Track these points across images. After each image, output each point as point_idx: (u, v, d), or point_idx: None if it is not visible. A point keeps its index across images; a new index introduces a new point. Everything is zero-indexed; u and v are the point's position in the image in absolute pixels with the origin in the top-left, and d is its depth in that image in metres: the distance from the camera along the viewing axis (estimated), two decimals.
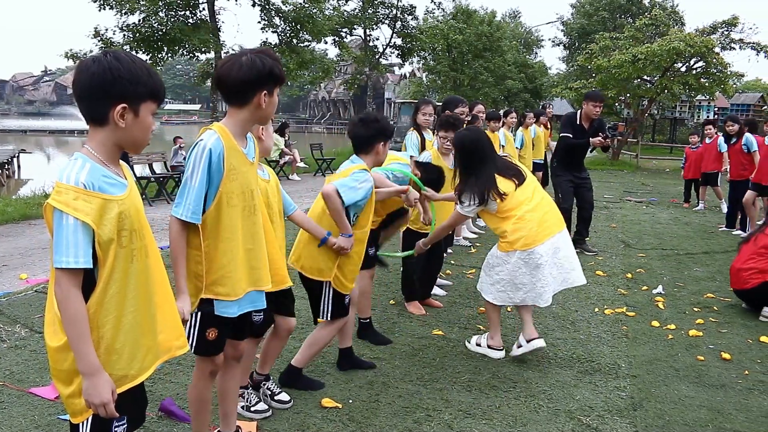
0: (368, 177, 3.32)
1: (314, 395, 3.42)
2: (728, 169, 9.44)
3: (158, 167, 12.14)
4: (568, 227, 4.96)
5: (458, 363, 3.96)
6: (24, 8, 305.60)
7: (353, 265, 3.39)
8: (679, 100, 28.01)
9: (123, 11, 15.36)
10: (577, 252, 4.31)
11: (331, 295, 3.37)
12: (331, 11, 20.35)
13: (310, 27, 17.67)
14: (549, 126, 11.17)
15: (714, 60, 20.37)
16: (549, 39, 46.83)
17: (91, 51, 15.89)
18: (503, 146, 8.21)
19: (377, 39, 26.03)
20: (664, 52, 19.45)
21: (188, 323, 2.36)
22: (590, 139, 6.99)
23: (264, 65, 2.31)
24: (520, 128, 9.78)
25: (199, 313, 2.38)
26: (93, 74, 1.72)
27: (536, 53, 52.18)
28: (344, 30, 23.11)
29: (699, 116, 33.85)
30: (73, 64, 21.94)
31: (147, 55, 16.26)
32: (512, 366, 3.95)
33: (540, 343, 3.95)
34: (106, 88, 1.72)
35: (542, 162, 10.22)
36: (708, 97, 25.40)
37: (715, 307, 5.31)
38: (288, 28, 18.09)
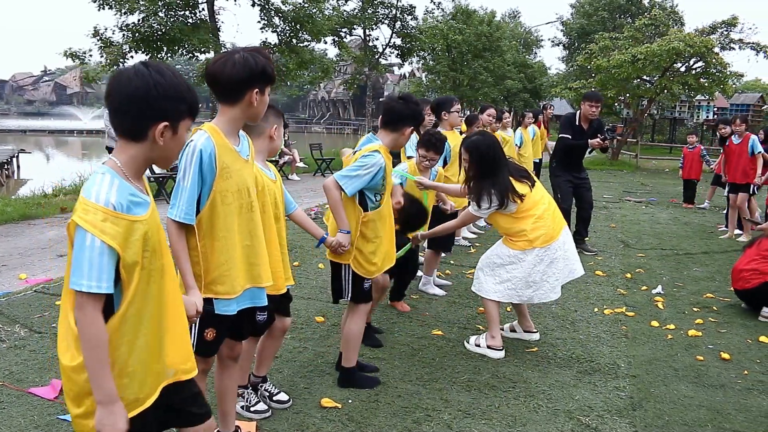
0: (376, 160, 3.24)
1: (313, 395, 3.42)
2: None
3: (157, 167, 12.13)
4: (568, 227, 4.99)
5: (457, 363, 3.97)
6: (23, 8, 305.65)
7: (375, 247, 3.36)
8: (679, 100, 28.01)
9: (122, 11, 15.34)
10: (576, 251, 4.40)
11: (351, 278, 3.38)
12: (331, 11, 20.32)
13: (309, 27, 17.64)
14: (546, 126, 11.19)
15: (713, 60, 20.38)
16: (548, 39, 46.89)
17: (90, 50, 15.88)
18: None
19: (377, 39, 26.01)
20: (663, 52, 19.46)
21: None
22: (588, 140, 6.99)
23: (257, 64, 2.31)
24: (519, 128, 9.84)
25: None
26: (136, 88, 1.64)
27: (536, 53, 52.29)
28: (344, 30, 23.09)
29: (698, 116, 33.87)
30: (72, 64, 21.93)
31: (146, 55, 16.23)
32: (512, 366, 3.95)
33: (536, 336, 4.38)
34: (149, 105, 1.65)
35: (539, 161, 10.31)
36: (707, 97, 25.44)
37: (714, 307, 5.31)
38: (287, 28, 18.07)
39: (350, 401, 3.38)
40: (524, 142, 9.52)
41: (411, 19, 24.72)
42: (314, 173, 16.15)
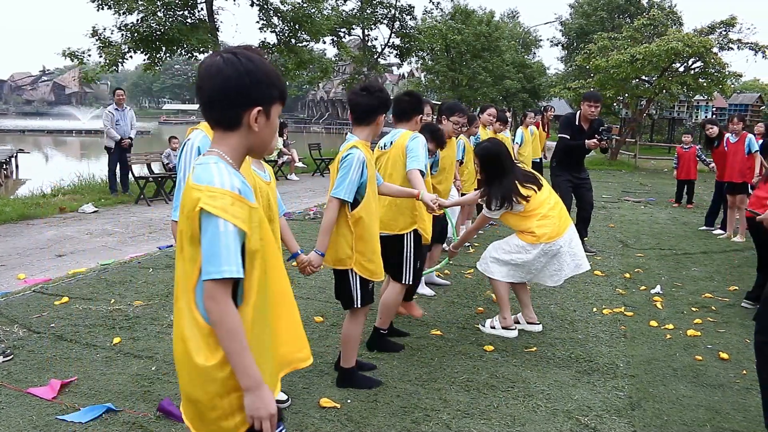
0: (356, 156, 3.24)
1: (312, 395, 3.43)
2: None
3: (156, 167, 12.13)
4: None
5: (456, 363, 3.97)
6: (22, 8, 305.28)
7: (372, 246, 3.36)
8: (678, 100, 28.08)
9: (121, 11, 15.32)
10: None
11: (358, 283, 3.38)
12: (330, 11, 20.31)
13: (308, 27, 17.63)
14: (547, 127, 11.22)
15: (712, 60, 20.39)
16: (547, 39, 46.88)
17: (89, 50, 15.85)
18: None
19: (376, 39, 26.05)
20: (662, 52, 19.46)
21: None
22: (586, 141, 7.00)
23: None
24: (520, 127, 9.92)
25: None
26: (227, 78, 1.62)
27: (534, 53, 52.21)
28: (343, 30, 23.08)
29: (697, 116, 33.94)
30: (71, 63, 21.85)
31: (145, 55, 16.23)
32: (510, 366, 3.95)
33: (538, 328, 4.60)
34: (243, 92, 1.63)
35: (538, 161, 10.36)
36: (706, 97, 25.48)
37: (713, 307, 5.32)
38: (286, 28, 18.06)
39: (349, 401, 3.38)
40: (525, 141, 9.58)
41: (410, 19, 24.77)
42: (313, 173, 16.15)
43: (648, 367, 4.00)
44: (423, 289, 5.41)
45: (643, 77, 22.89)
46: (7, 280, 5.75)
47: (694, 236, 8.64)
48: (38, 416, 3.13)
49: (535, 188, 4.34)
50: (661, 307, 5.29)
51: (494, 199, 4.30)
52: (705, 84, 21.46)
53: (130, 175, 11.50)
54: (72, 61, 16.02)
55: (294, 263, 3.26)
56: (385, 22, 24.46)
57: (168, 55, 16.85)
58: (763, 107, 35.40)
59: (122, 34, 15.83)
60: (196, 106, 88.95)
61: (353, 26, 23.86)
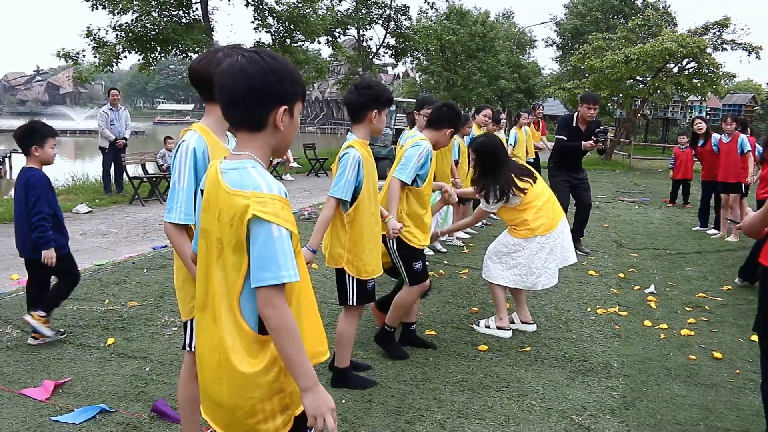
0: (352, 155, 3.25)
1: None
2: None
3: (151, 167, 12.10)
4: None
5: (451, 363, 3.97)
6: (16, 8, 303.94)
7: (368, 243, 3.35)
8: (672, 100, 28.13)
9: (116, 11, 15.27)
10: None
11: (354, 281, 3.39)
12: (325, 11, 20.29)
13: (303, 27, 17.61)
14: (537, 125, 11.23)
15: (706, 60, 20.48)
16: (542, 39, 46.81)
17: (83, 50, 15.78)
18: None
19: (371, 39, 25.96)
20: (656, 53, 19.53)
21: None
22: (582, 142, 7.01)
23: None
24: (514, 127, 9.92)
25: None
26: (251, 77, 1.59)
27: (529, 53, 52.33)
28: (338, 30, 23.02)
29: (691, 116, 34.04)
30: (65, 64, 21.77)
31: (140, 55, 16.18)
32: (505, 366, 3.96)
33: (533, 327, 4.62)
34: (268, 91, 1.61)
35: (532, 161, 10.36)
36: (700, 97, 25.53)
37: (706, 307, 5.34)
38: (281, 28, 18.03)
39: (344, 401, 3.38)
40: (518, 142, 9.60)
41: (405, 19, 24.72)
42: (308, 173, 16.14)
43: (642, 367, 4.02)
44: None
45: (638, 77, 22.97)
46: (1, 281, 5.73)
47: (687, 236, 8.67)
48: (32, 417, 3.12)
49: (531, 181, 4.38)
50: (655, 307, 5.30)
51: (492, 192, 4.34)
52: (699, 84, 21.53)
53: (125, 176, 11.47)
54: (66, 61, 15.95)
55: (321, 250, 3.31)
56: (380, 22, 24.42)
57: (162, 55, 16.79)
58: (757, 107, 35.52)
59: (117, 34, 15.76)
60: (190, 107, 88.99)
61: (348, 26, 23.81)
